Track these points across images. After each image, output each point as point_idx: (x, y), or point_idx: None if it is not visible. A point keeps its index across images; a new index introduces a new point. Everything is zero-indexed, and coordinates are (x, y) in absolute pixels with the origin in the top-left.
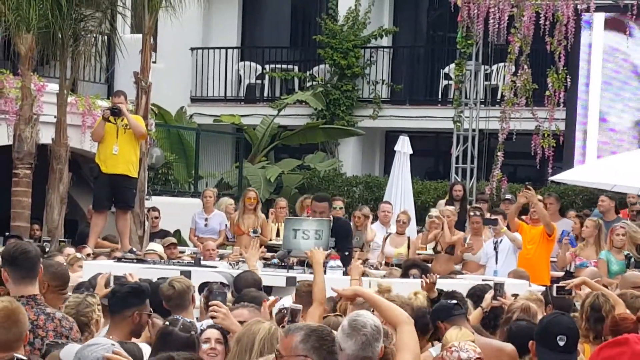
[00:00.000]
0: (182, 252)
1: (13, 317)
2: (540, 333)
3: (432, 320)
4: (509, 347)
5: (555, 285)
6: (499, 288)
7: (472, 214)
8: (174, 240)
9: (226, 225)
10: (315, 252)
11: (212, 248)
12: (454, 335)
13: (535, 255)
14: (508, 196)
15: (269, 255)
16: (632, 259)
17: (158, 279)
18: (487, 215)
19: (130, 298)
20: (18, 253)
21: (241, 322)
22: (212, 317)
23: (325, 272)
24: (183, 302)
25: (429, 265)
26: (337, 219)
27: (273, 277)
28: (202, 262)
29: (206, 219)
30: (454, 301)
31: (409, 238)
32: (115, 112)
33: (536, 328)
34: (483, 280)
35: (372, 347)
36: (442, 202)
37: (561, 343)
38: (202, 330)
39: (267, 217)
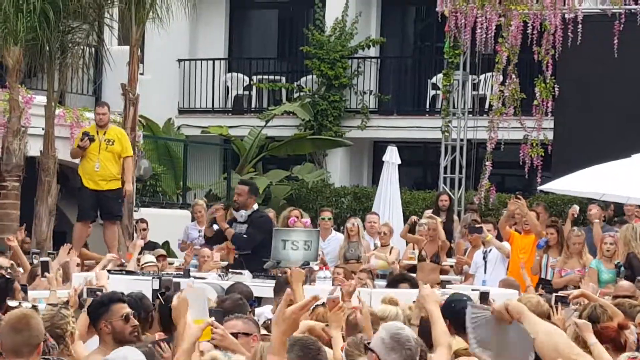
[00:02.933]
0: (171, 264)
1: (24, 321)
2: None
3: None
4: None
5: (554, 295)
6: (483, 297)
7: (463, 226)
8: (163, 252)
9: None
10: (295, 273)
11: (207, 255)
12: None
13: (527, 264)
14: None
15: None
16: (622, 268)
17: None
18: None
19: (95, 311)
20: None
21: (235, 334)
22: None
23: (314, 282)
24: None
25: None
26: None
27: (262, 288)
28: (191, 274)
29: (199, 231)
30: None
31: (391, 248)
32: (93, 140)
33: None
34: (472, 290)
35: None
36: (428, 212)
37: None
38: None
39: None
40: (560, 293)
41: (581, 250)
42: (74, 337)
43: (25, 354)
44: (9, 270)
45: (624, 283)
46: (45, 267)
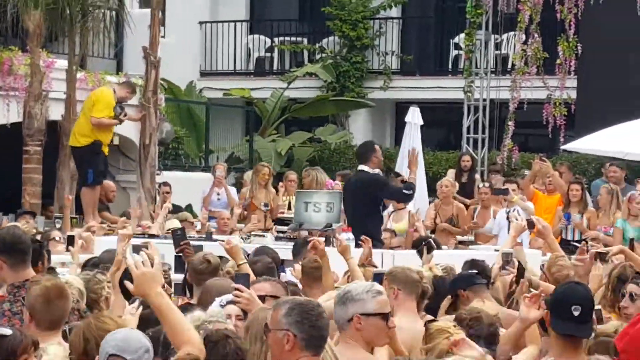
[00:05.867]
0: (194, 226)
1: (58, 292)
2: (555, 303)
3: (451, 289)
4: None
5: (594, 251)
6: (507, 258)
7: (480, 185)
8: (189, 215)
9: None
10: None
11: (228, 217)
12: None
13: (550, 224)
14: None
15: (282, 228)
16: None
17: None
18: (501, 185)
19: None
20: (14, 240)
21: (262, 297)
22: (235, 303)
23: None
24: (216, 276)
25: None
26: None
27: (285, 250)
28: (214, 237)
29: (218, 193)
30: (475, 270)
31: (409, 212)
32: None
33: (550, 298)
34: (495, 250)
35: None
36: (451, 171)
37: (576, 313)
38: (222, 306)
39: (277, 190)
40: (600, 250)
41: (609, 206)
42: (109, 302)
43: (59, 325)
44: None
45: None
46: (70, 241)
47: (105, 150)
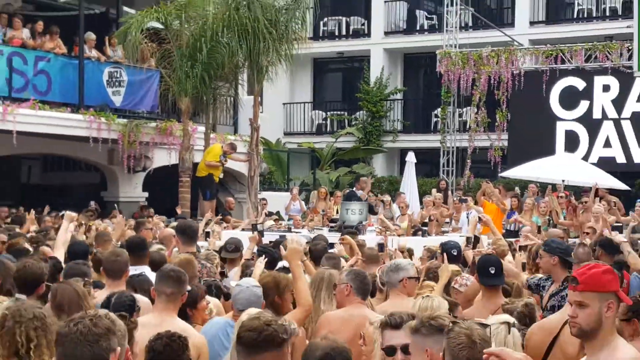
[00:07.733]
0: (281, 224)
1: (191, 263)
2: (479, 268)
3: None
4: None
5: (518, 245)
6: (476, 240)
7: (454, 199)
8: (277, 217)
9: (306, 210)
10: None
11: (299, 219)
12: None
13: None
14: (464, 197)
15: (332, 224)
16: (551, 221)
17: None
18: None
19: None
20: (184, 226)
21: None
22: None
23: (365, 233)
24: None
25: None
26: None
27: (333, 238)
28: (292, 230)
29: (294, 204)
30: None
31: (408, 216)
32: (226, 159)
33: (476, 266)
34: (460, 236)
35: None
36: (434, 190)
37: (492, 271)
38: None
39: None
40: (520, 243)
41: (531, 209)
42: (217, 270)
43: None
44: None
45: (552, 230)
46: (207, 235)
47: (217, 179)
